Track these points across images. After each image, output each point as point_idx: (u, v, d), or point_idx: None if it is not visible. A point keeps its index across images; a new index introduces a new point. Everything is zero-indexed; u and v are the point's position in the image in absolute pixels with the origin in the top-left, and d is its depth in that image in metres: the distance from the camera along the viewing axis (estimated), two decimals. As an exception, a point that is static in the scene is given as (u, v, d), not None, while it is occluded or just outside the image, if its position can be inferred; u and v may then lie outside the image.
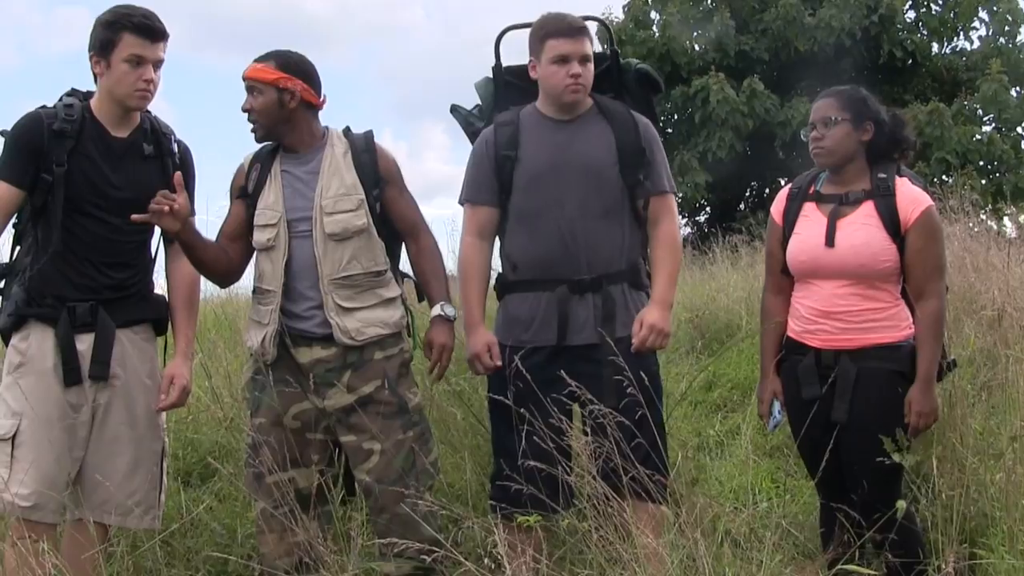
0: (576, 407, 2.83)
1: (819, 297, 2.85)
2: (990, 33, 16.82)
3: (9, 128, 2.73)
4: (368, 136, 3.00)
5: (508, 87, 3.17)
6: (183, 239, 2.76)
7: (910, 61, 16.67)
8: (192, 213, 2.94)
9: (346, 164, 2.92)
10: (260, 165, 2.94)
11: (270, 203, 2.89)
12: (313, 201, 2.87)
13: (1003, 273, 4.57)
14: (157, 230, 2.90)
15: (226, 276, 3.02)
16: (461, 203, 3.10)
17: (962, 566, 2.72)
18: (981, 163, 15.16)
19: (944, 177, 14.36)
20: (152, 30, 2.72)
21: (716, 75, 15.17)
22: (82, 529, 2.74)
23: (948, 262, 3.77)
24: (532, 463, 2.54)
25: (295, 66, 2.88)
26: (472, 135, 3.19)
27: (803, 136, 2.96)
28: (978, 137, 15.10)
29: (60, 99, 2.81)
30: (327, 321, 2.85)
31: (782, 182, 14.70)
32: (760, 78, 15.44)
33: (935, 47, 17.18)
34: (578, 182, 2.92)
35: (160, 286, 3.00)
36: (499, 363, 2.91)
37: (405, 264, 3.13)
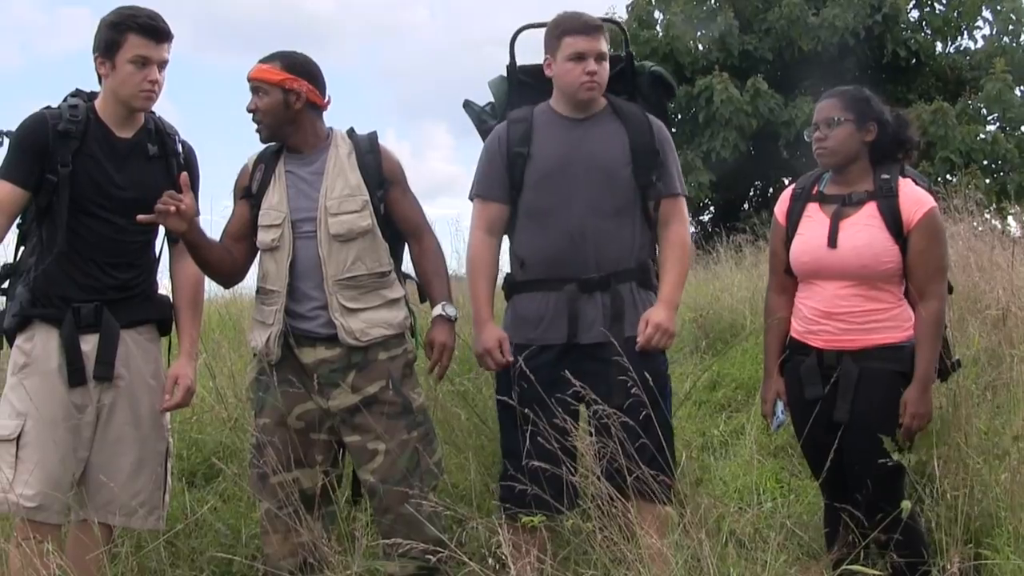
0: (583, 407, 2.83)
1: (821, 298, 2.85)
2: (994, 32, 16.79)
3: (14, 129, 2.73)
4: (372, 137, 3.00)
5: (522, 86, 3.17)
6: (188, 239, 2.76)
7: (914, 60, 16.65)
8: (197, 213, 2.95)
9: (350, 165, 2.92)
10: (264, 166, 2.95)
11: (274, 203, 2.89)
12: (317, 202, 2.87)
13: (1007, 272, 4.57)
14: (161, 230, 2.91)
15: (230, 276, 3.02)
16: (471, 198, 3.10)
17: (967, 566, 2.72)
18: (985, 162, 15.12)
19: (948, 176, 14.33)
20: (157, 31, 2.72)
21: (720, 75, 15.16)
22: (86, 530, 2.73)
23: (952, 261, 3.78)
24: (538, 464, 2.54)
25: (300, 67, 2.89)
26: (484, 132, 3.19)
27: (806, 136, 2.96)
28: (982, 136, 15.06)
29: (64, 99, 2.81)
30: (331, 321, 2.85)
31: (786, 181, 14.71)
32: (764, 77, 15.42)
33: (939, 46, 17.15)
34: (589, 181, 2.92)
35: (164, 286, 3.01)
36: (510, 359, 2.91)
37: (406, 266, 3.13)
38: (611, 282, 2.93)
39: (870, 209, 2.81)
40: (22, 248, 2.83)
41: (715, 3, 16.79)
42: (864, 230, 2.79)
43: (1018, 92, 15.68)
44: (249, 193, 2.95)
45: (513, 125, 3.02)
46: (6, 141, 2.73)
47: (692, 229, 16.60)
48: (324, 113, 2.97)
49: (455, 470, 3.67)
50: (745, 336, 5.63)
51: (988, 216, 7.72)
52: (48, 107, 2.78)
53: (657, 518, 2.67)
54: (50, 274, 2.72)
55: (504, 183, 3.00)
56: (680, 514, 2.49)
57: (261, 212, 2.91)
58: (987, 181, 14.44)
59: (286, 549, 2.86)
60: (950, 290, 2.97)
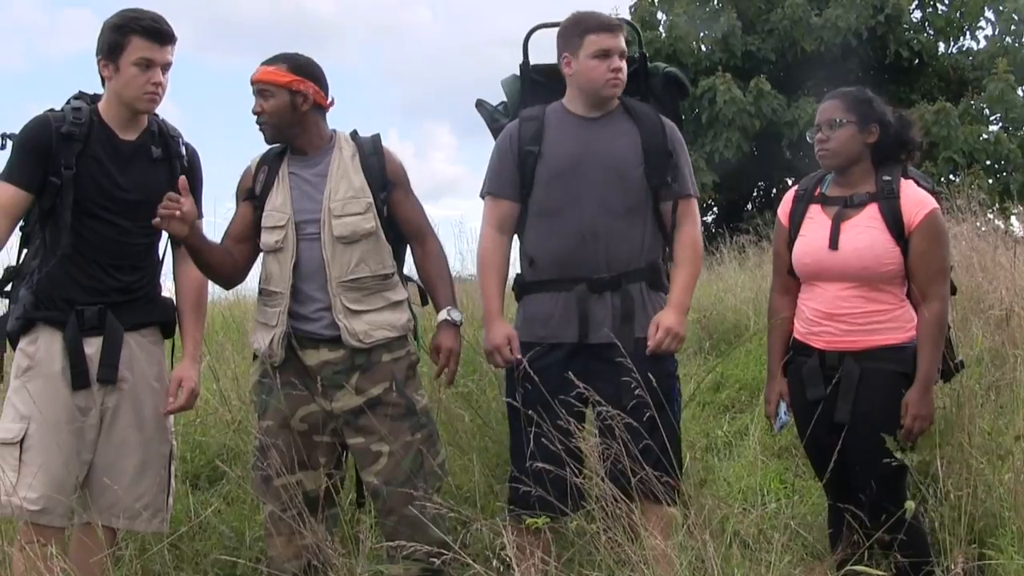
0: (589, 408, 2.83)
1: (823, 299, 2.85)
2: (996, 32, 16.78)
3: (17, 131, 2.74)
4: (376, 139, 3.00)
5: (535, 85, 3.17)
6: (190, 244, 2.77)
7: (916, 61, 16.63)
8: (200, 216, 2.95)
9: (354, 167, 2.92)
10: (268, 167, 2.95)
11: (278, 205, 2.90)
12: (321, 204, 2.88)
13: (1010, 272, 4.57)
14: (164, 233, 2.91)
15: (231, 278, 3.02)
16: (482, 195, 3.09)
17: (971, 566, 2.71)
18: (988, 162, 15.10)
19: (951, 176, 14.32)
20: (161, 33, 2.72)
21: (723, 75, 15.16)
22: (90, 533, 2.73)
23: (955, 262, 3.77)
24: (543, 465, 2.54)
25: (306, 68, 2.89)
26: (496, 131, 3.18)
27: (808, 138, 2.96)
28: (985, 136, 15.05)
29: (68, 102, 2.81)
30: (335, 323, 2.85)
31: (789, 182, 14.71)
32: (767, 78, 15.42)
33: (941, 47, 17.14)
34: (600, 179, 2.92)
35: (168, 289, 3.01)
36: (519, 356, 2.90)
37: (407, 269, 3.13)
38: (621, 282, 2.93)
39: (871, 211, 2.81)
40: (25, 251, 2.83)
41: (718, 4, 16.80)
42: (865, 232, 2.79)
43: (1020, 92, 15.66)
44: (252, 195, 2.95)
45: (525, 123, 3.02)
46: (9, 143, 2.74)
47: (696, 230, 16.55)
48: (327, 114, 2.98)
49: (459, 472, 3.67)
50: (749, 337, 5.63)
51: (991, 216, 7.72)
52: (51, 110, 2.78)
53: (661, 519, 2.67)
54: (53, 277, 2.72)
55: (515, 181, 3.00)
56: (684, 515, 2.49)
57: (265, 214, 2.91)
58: (990, 181, 14.44)
59: (290, 552, 2.86)
60: (954, 291, 2.97)
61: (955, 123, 14.56)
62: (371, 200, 2.90)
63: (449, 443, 3.74)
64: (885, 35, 15.95)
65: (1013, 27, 16.45)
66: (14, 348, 2.77)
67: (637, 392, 2.61)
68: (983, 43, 17.05)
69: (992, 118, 15.80)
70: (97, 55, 2.75)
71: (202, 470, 4.08)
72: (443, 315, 2.98)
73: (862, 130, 2.83)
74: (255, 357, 3.05)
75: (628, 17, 17.04)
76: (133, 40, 2.69)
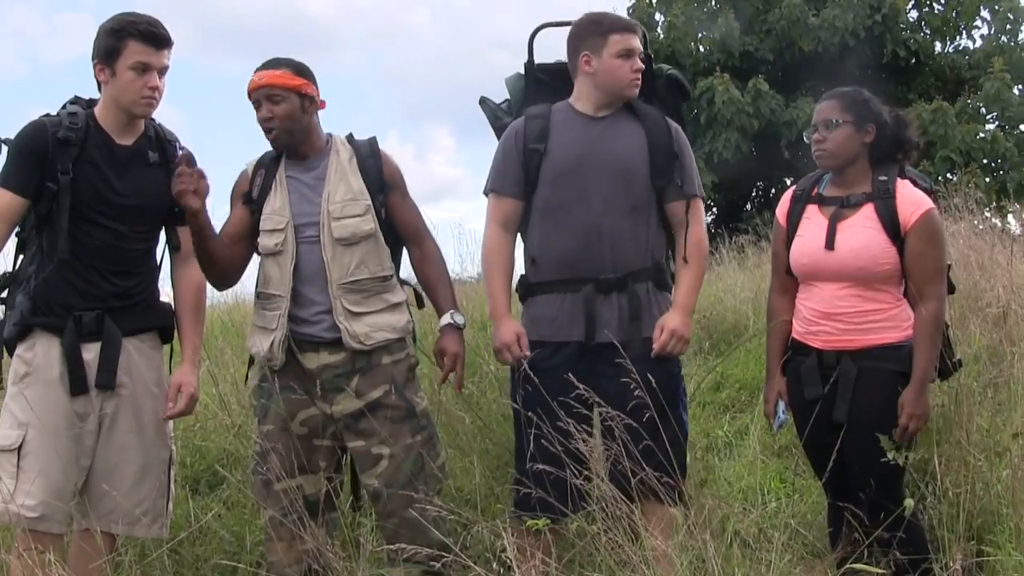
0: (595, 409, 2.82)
1: (820, 299, 2.86)
2: (992, 32, 16.81)
3: (12, 136, 2.72)
4: (372, 142, 3.01)
5: (539, 84, 3.17)
6: (199, 222, 2.74)
7: (913, 60, 16.66)
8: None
9: (352, 169, 2.93)
10: (265, 171, 2.95)
11: (277, 208, 2.89)
12: (320, 206, 2.88)
13: (1007, 271, 4.57)
14: (162, 238, 2.91)
15: (227, 274, 2.98)
16: (486, 193, 3.08)
17: (969, 563, 2.72)
18: (985, 161, 15.12)
19: (949, 175, 14.33)
20: (157, 37, 2.71)
21: (721, 76, 15.18)
22: (89, 539, 2.72)
23: (953, 260, 3.78)
24: (544, 467, 2.54)
25: (307, 71, 2.91)
26: (499, 129, 3.18)
27: (806, 138, 2.96)
28: (982, 135, 15.07)
29: (63, 107, 2.80)
30: (335, 326, 2.85)
31: (788, 182, 14.71)
32: (765, 78, 15.44)
33: (938, 46, 17.16)
34: (606, 178, 2.92)
35: (166, 293, 3.00)
36: (528, 353, 2.90)
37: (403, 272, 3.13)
38: (628, 282, 2.93)
39: (867, 211, 2.81)
40: (21, 256, 2.82)
41: (716, 5, 16.81)
42: (861, 232, 2.80)
43: (1016, 91, 15.70)
44: (250, 199, 2.94)
45: (530, 121, 3.02)
46: (5, 149, 2.72)
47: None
48: (325, 116, 2.99)
49: (460, 474, 3.68)
50: (748, 337, 5.63)
51: (988, 214, 7.72)
52: (47, 114, 2.77)
53: (662, 520, 2.67)
54: (51, 282, 2.71)
55: (519, 179, 2.99)
56: (684, 515, 2.49)
57: (263, 217, 2.91)
58: (987, 180, 14.46)
59: (291, 557, 2.86)
60: (952, 290, 2.97)
61: (952, 122, 14.58)
62: (370, 202, 2.90)
63: (449, 445, 3.74)
64: (882, 35, 15.97)
65: (1009, 26, 16.50)
66: (11, 354, 2.76)
67: (637, 393, 2.61)
68: (979, 42, 17.10)
69: (989, 117, 15.83)
70: (93, 59, 2.74)
71: (202, 475, 4.08)
72: (446, 319, 2.98)
73: (859, 130, 2.84)
74: (251, 362, 3.05)
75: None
76: (130, 44, 2.68)
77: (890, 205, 2.78)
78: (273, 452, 2.84)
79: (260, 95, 2.85)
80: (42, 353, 2.72)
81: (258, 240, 2.93)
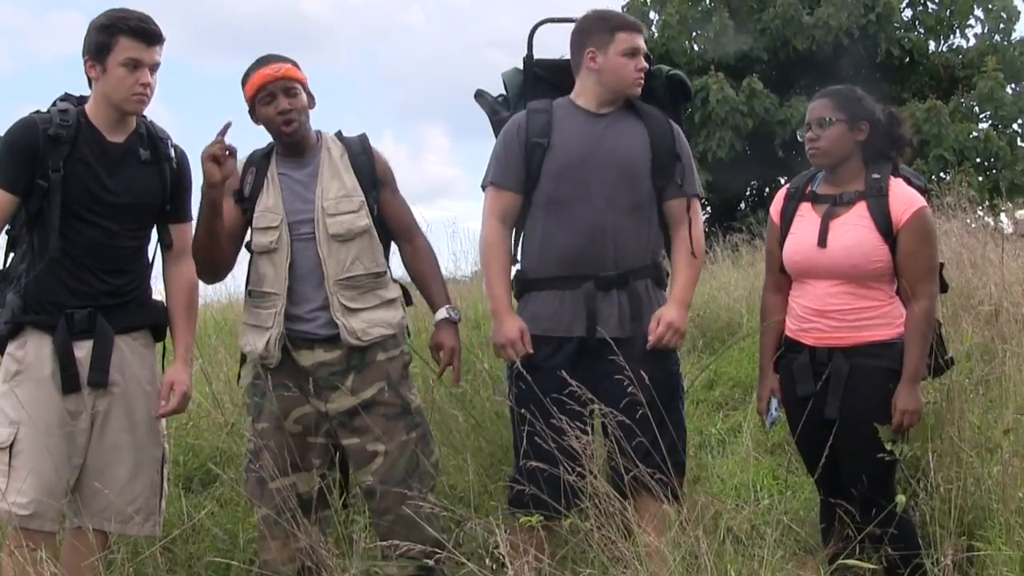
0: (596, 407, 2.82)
1: (813, 296, 2.87)
2: (985, 31, 16.84)
3: (3, 133, 2.71)
4: (363, 139, 3.01)
5: (537, 80, 3.16)
6: (215, 197, 2.73)
7: (907, 59, 16.69)
8: (189, 218, 2.95)
9: (344, 166, 2.93)
10: (256, 168, 2.93)
11: (270, 206, 2.89)
12: (314, 203, 2.87)
13: (999, 269, 4.58)
14: (154, 236, 2.90)
15: (220, 264, 2.95)
16: (484, 186, 3.06)
17: (960, 558, 2.73)
18: (978, 160, 15.16)
19: (942, 174, 14.37)
20: (148, 33, 2.70)
21: (715, 75, 15.19)
22: (81, 537, 2.72)
23: (946, 258, 3.79)
24: (538, 464, 2.53)
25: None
26: (496, 123, 3.17)
27: (799, 136, 2.97)
28: (975, 134, 15.11)
29: (54, 103, 2.78)
30: (331, 322, 2.84)
31: (782, 181, 14.72)
32: (759, 77, 15.46)
33: (932, 45, 17.20)
34: (609, 174, 2.92)
35: (158, 291, 2.99)
36: (531, 350, 2.89)
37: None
38: (628, 280, 2.93)
39: (860, 209, 2.82)
40: (11, 254, 2.81)
41: (710, 3, 16.82)
42: (854, 230, 2.81)
43: (1009, 90, 15.74)
44: (241, 196, 2.93)
45: (533, 115, 3.00)
46: None
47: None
48: (316, 114, 2.98)
49: (453, 471, 3.68)
50: (742, 336, 5.64)
51: (981, 213, 7.75)
52: (37, 111, 2.75)
53: (655, 516, 2.67)
54: (42, 280, 2.69)
55: (520, 173, 2.97)
56: (677, 511, 2.50)
57: (256, 215, 2.90)
58: (980, 179, 14.50)
59: (285, 555, 2.85)
60: (945, 288, 2.98)
61: (945, 121, 14.62)
62: (363, 199, 2.90)
63: (443, 443, 3.75)
64: (876, 34, 16.00)
65: (1002, 25, 16.53)
66: (2, 353, 2.75)
67: (644, 389, 2.61)
68: (973, 41, 17.13)
69: (982, 116, 15.87)
70: (84, 56, 2.72)
71: (195, 473, 4.08)
72: (442, 313, 2.98)
73: (852, 128, 2.84)
74: (243, 360, 3.04)
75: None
76: (120, 40, 2.66)
77: (883, 203, 2.79)
78: (268, 450, 2.83)
79: (276, 88, 2.83)
80: (34, 351, 2.71)
81: (251, 238, 2.93)
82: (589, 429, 2.61)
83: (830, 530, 2.82)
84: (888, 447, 2.65)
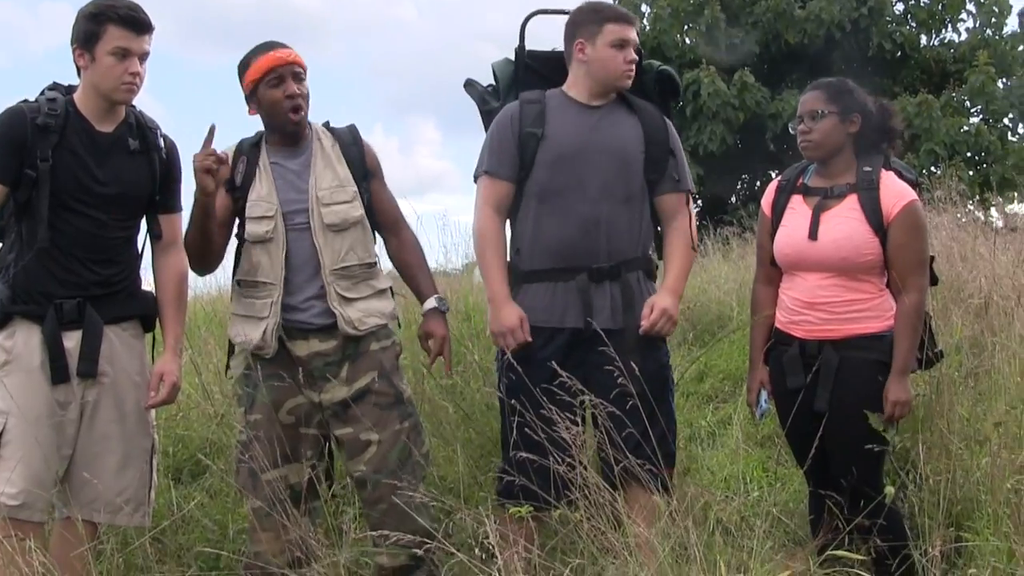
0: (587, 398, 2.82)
1: (803, 288, 2.87)
2: (977, 25, 16.86)
3: None
4: (353, 129, 3.00)
5: (527, 71, 3.15)
6: (208, 204, 2.74)
7: (899, 53, 16.69)
8: (179, 209, 2.93)
9: (336, 157, 2.92)
10: (246, 158, 2.92)
11: (264, 195, 2.87)
12: (307, 193, 2.86)
13: (990, 262, 4.60)
14: (143, 226, 2.89)
15: (213, 256, 2.95)
16: (476, 177, 3.05)
17: (948, 549, 2.74)
18: (969, 154, 15.18)
19: (933, 168, 14.39)
20: (137, 22, 2.68)
21: (707, 68, 15.18)
22: (70, 527, 2.72)
23: (936, 252, 3.80)
24: (534, 455, 2.54)
25: None
26: (486, 114, 3.16)
27: (791, 129, 2.97)
28: (966, 128, 15.11)
29: (42, 93, 2.76)
30: (325, 312, 2.84)
31: (773, 174, 14.74)
32: (751, 71, 15.46)
33: (923, 39, 17.20)
34: (604, 166, 2.92)
35: (148, 282, 2.98)
36: (531, 338, 2.89)
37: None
38: (621, 271, 2.93)
39: (851, 202, 2.82)
40: (0, 245, 2.79)
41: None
42: (844, 223, 2.81)
43: (1001, 84, 15.76)
44: (232, 185, 2.91)
45: (526, 105, 2.99)
46: None
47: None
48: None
49: (443, 463, 3.68)
50: (732, 329, 5.65)
51: (971, 207, 7.77)
52: (25, 100, 2.73)
53: (644, 507, 2.68)
54: (30, 270, 2.68)
55: (514, 162, 2.96)
56: (667, 503, 2.50)
57: (249, 204, 2.88)
58: (970, 173, 14.51)
59: (277, 547, 2.84)
60: (936, 281, 2.99)
61: (937, 115, 14.63)
62: (356, 189, 2.90)
63: (433, 434, 3.75)
64: (868, 27, 15.99)
65: (994, 19, 16.54)
66: (-9, 342, 2.73)
67: (635, 380, 2.61)
68: (964, 36, 17.14)
69: (973, 110, 15.89)
70: (72, 44, 2.70)
71: (184, 464, 4.07)
72: (431, 303, 2.98)
73: (844, 120, 2.85)
74: (231, 351, 3.03)
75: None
76: (109, 29, 2.64)
77: (874, 196, 2.79)
78: (261, 441, 2.82)
79: (287, 71, 2.83)
80: (22, 341, 2.70)
81: (244, 227, 2.91)
82: (579, 420, 2.62)
83: (819, 521, 2.83)
84: (880, 431, 2.66)
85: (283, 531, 2.78)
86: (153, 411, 2.93)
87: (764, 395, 3.02)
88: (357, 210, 2.88)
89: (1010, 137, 15.79)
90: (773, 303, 3.00)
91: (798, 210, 2.91)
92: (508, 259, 3.05)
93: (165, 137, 2.89)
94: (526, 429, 2.62)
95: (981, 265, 4.66)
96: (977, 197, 10.24)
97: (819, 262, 2.83)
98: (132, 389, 2.83)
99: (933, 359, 2.96)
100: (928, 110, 14.55)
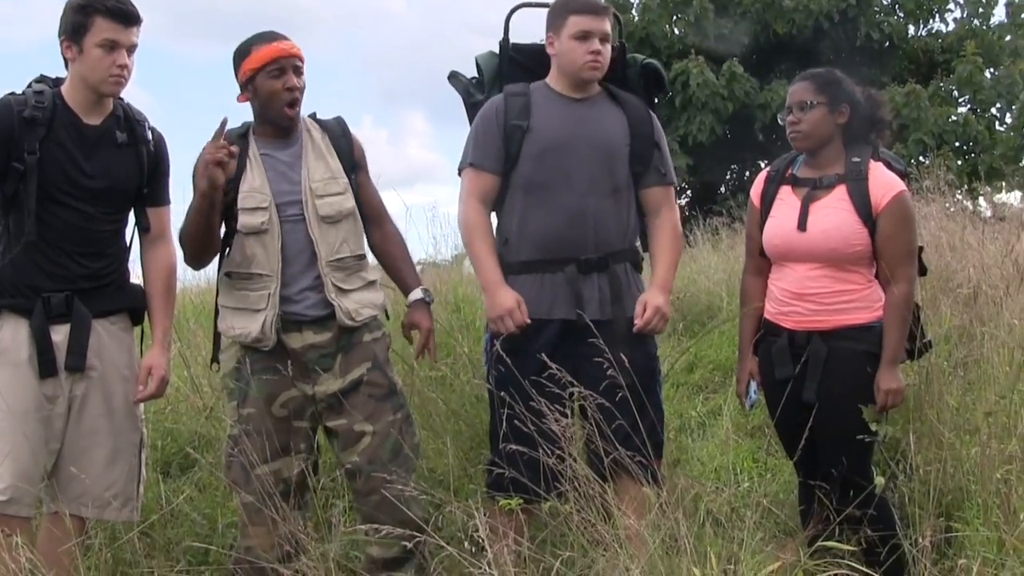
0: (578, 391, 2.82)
1: (792, 279, 2.87)
2: (964, 15, 16.90)
3: None
4: (340, 121, 3.00)
5: (512, 64, 3.13)
6: (213, 197, 2.71)
7: (887, 43, 16.71)
8: (167, 202, 2.91)
9: (327, 149, 2.91)
10: (237, 149, 2.90)
11: (256, 186, 2.85)
12: (300, 185, 2.85)
13: (978, 252, 4.62)
14: (131, 218, 2.87)
15: (210, 251, 2.92)
16: (460, 169, 3.03)
17: (938, 539, 2.76)
18: (957, 144, 15.23)
19: (921, 158, 14.44)
20: (125, 14, 2.65)
21: (696, 58, 15.17)
22: (58, 522, 2.70)
23: (925, 242, 3.81)
24: (523, 447, 2.53)
25: None
26: (471, 106, 3.14)
27: (780, 120, 2.97)
28: (954, 118, 15.16)
29: (29, 85, 2.74)
30: (320, 303, 2.83)
31: (762, 164, 14.76)
32: (739, 61, 15.45)
33: (911, 29, 17.23)
34: (590, 158, 2.92)
35: (136, 275, 2.96)
36: (528, 320, 2.87)
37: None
38: (608, 263, 2.93)
39: (840, 192, 2.82)
40: None
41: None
42: (833, 213, 2.81)
43: (988, 74, 15.80)
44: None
45: (511, 98, 2.98)
46: None
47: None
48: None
49: (433, 455, 3.68)
50: (722, 319, 5.66)
51: (959, 197, 7.81)
52: (12, 93, 2.70)
53: (635, 499, 2.68)
54: (18, 264, 2.66)
55: (500, 155, 2.95)
56: (657, 494, 2.50)
57: (241, 195, 2.85)
58: (958, 162, 14.56)
59: (269, 542, 2.82)
60: (924, 271, 3.00)
61: (925, 105, 14.66)
62: (347, 181, 2.90)
63: (422, 427, 3.73)
64: (856, 18, 16.00)
65: (981, 10, 16.59)
66: (-21, 337, 2.71)
67: (624, 372, 2.61)
68: (952, 26, 17.18)
69: (961, 100, 15.93)
70: (60, 36, 2.68)
71: (173, 458, 4.05)
72: (416, 294, 2.99)
73: (832, 111, 2.85)
74: (217, 344, 3.00)
75: (601, 2, 17.05)
76: (97, 21, 2.62)
77: (862, 187, 2.79)
78: (253, 435, 2.81)
79: (288, 63, 2.81)
80: (10, 335, 2.67)
81: (237, 219, 2.88)
82: (569, 412, 2.61)
83: (809, 512, 2.84)
84: (873, 428, 2.67)
85: (274, 526, 2.78)
86: (142, 405, 2.91)
87: (754, 386, 3.02)
88: (349, 201, 2.88)
89: (998, 127, 15.83)
90: (762, 294, 3.01)
91: (787, 201, 2.91)
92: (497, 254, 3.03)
93: (153, 130, 2.87)
94: (516, 421, 2.62)
95: (969, 255, 4.68)
96: (965, 187, 10.30)
97: (808, 253, 2.83)
98: (120, 383, 2.81)
99: (922, 349, 2.96)
100: (916, 100, 14.57)
